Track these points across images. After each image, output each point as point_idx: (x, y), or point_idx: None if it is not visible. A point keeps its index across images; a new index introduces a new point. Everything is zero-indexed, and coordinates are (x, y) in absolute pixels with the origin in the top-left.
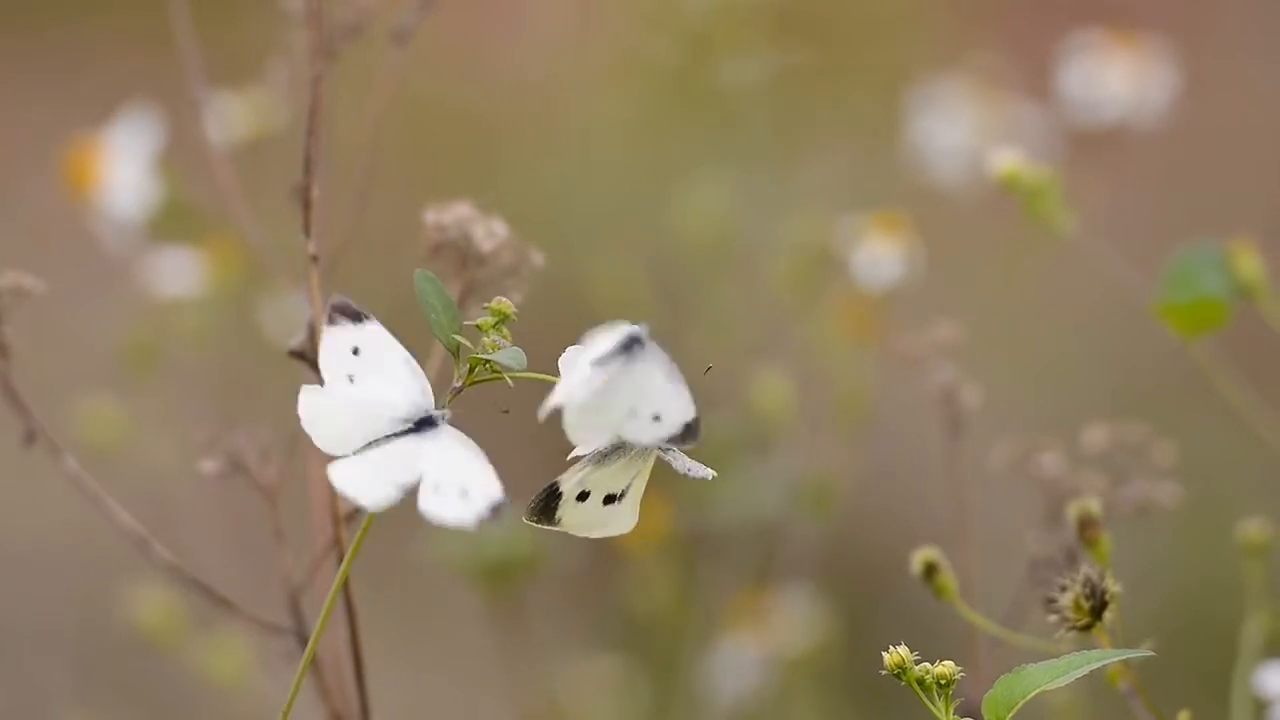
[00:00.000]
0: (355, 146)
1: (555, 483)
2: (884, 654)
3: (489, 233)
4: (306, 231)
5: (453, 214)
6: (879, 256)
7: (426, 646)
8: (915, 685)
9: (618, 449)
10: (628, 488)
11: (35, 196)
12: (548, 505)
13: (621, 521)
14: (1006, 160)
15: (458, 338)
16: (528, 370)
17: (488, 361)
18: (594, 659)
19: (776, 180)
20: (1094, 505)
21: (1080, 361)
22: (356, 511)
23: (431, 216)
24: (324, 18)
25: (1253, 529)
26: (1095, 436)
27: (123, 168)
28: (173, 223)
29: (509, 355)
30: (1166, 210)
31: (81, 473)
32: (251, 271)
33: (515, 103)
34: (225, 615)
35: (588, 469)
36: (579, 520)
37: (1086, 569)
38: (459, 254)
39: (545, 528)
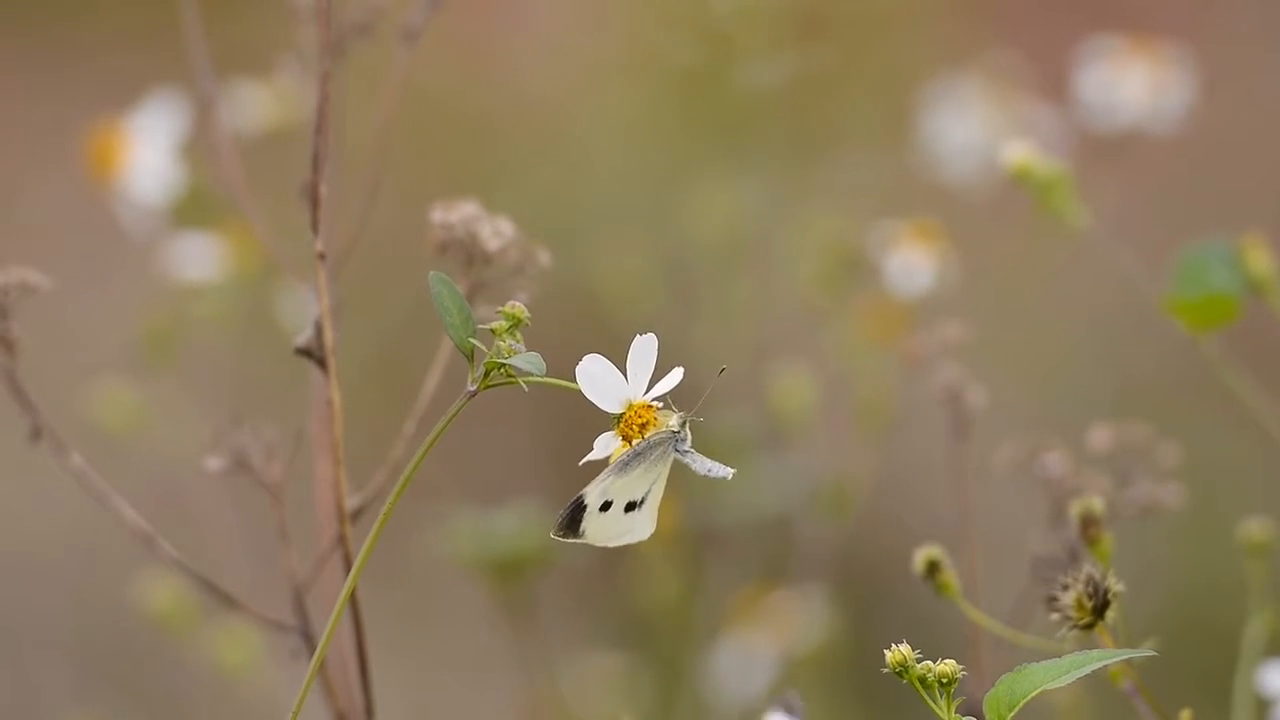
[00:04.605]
0: (363, 145)
1: (580, 496)
2: (887, 653)
3: (495, 232)
4: (314, 229)
5: (459, 213)
6: (913, 265)
7: (431, 644)
8: (917, 683)
9: (639, 455)
10: (647, 494)
11: (38, 192)
12: (573, 519)
13: (641, 529)
14: (1019, 152)
15: (472, 340)
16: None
17: (503, 366)
18: (600, 656)
19: (788, 179)
20: (1096, 504)
21: (1086, 362)
22: (361, 510)
23: (438, 215)
24: (332, 15)
25: (1255, 529)
26: (1100, 437)
27: (147, 153)
28: (194, 209)
29: (527, 360)
30: (1176, 210)
31: (87, 469)
32: (263, 267)
33: (523, 101)
34: (230, 611)
35: (610, 478)
36: (602, 531)
37: (1089, 568)
38: (465, 253)
39: (569, 541)
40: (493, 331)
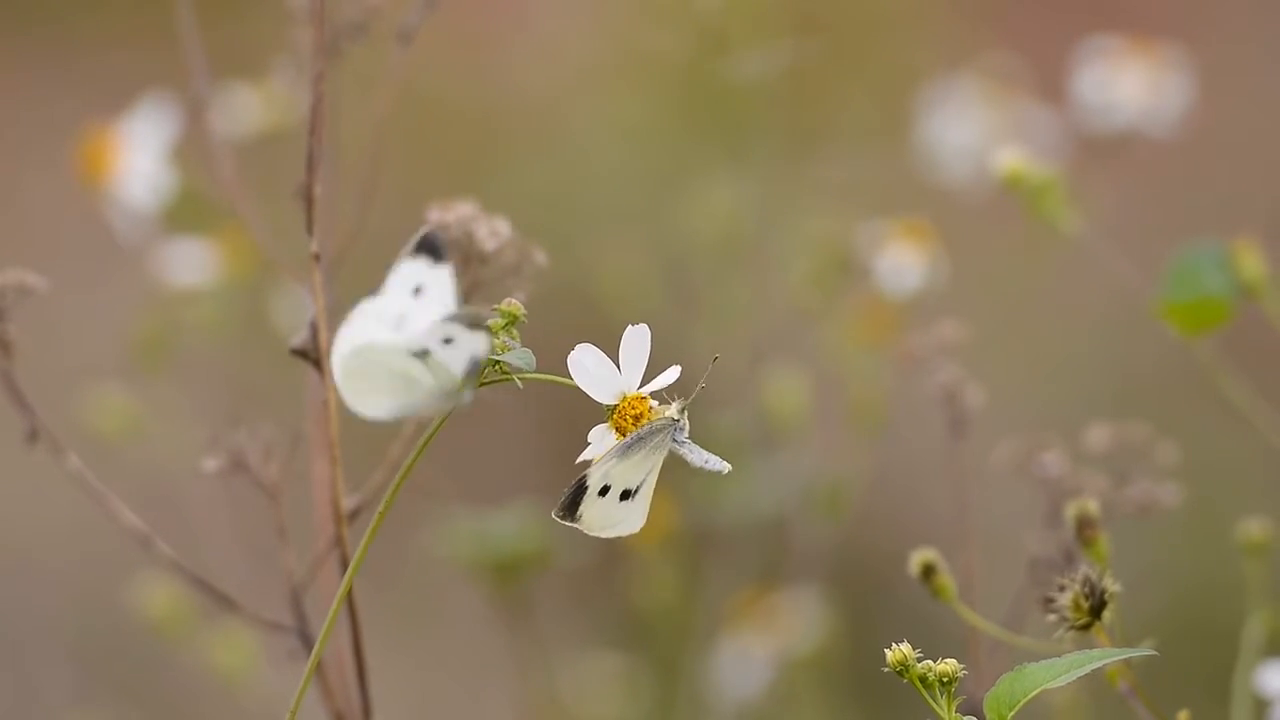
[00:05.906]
0: (359, 145)
1: (583, 477)
2: (886, 652)
3: (492, 231)
4: (309, 230)
5: (456, 213)
6: (903, 264)
7: (429, 644)
8: (917, 683)
9: (640, 439)
10: (641, 483)
11: (36, 192)
12: (574, 500)
13: (633, 520)
14: (1010, 158)
15: None
16: (534, 370)
17: (497, 362)
18: (598, 657)
19: (785, 179)
20: (1091, 505)
21: (1085, 362)
22: (358, 510)
23: (434, 215)
24: (327, 16)
25: (1253, 529)
26: (1098, 436)
27: (138, 157)
28: (188, 212)
29: (519, 356)
30: (1171, 212)
31: (84, 470)
32: (258, 268)
33: (519, 101)
34: (228, 612)
35: (612, 462)
36: (597, 517)
37: (1086, 568)
38: (462, 253)
39: (566, 524)
40: (488, 329)
